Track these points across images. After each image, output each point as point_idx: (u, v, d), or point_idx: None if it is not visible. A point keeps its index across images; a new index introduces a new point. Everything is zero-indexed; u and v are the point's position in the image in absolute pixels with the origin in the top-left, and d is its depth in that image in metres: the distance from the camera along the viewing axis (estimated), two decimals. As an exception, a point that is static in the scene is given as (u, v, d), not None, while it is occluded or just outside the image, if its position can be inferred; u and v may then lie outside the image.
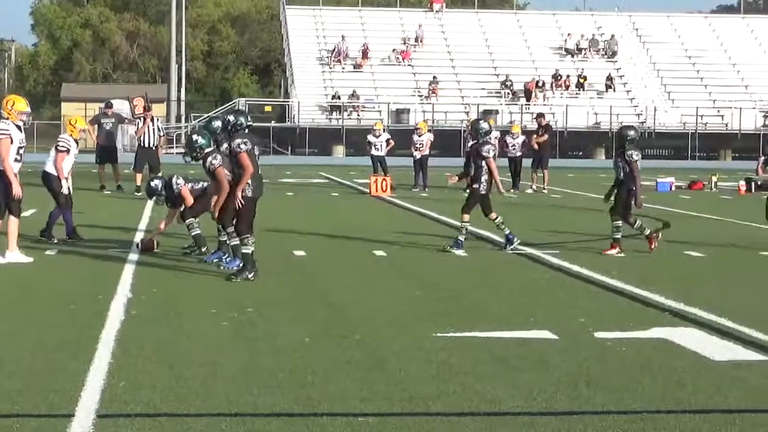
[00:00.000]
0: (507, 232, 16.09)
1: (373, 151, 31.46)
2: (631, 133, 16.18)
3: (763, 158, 15.64)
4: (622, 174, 16.07)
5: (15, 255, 14.31)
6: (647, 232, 16.16)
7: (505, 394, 7.77)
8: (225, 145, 13.43)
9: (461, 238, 16.01)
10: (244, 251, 12.97)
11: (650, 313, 11.18)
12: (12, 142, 14.23)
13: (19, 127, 14.34)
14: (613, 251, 15.85)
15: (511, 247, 16.01)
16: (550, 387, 7.99)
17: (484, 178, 16.00)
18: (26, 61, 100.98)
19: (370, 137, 31.79)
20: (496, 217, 16.12)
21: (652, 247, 16.00)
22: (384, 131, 32.32)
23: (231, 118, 13.91)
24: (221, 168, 13.11)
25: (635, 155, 15.92)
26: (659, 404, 7.59)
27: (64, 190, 16.41)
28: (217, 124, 14.23)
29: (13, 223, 14.37)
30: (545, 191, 30.39)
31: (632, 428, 7.02)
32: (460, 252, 15.77)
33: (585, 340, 9.71)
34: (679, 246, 17.13)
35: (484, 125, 16.54)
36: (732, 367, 8.69)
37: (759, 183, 30.42)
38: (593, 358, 8.94)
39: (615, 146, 16.46)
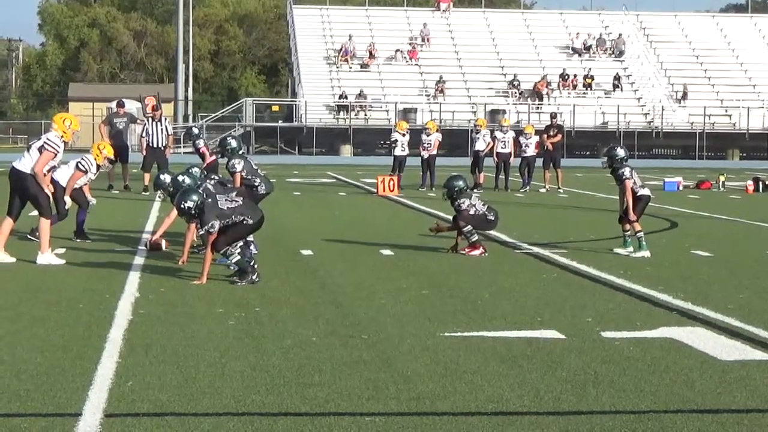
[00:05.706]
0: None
1: (398, 151, 31.67)
2: (621, 152, 16.22)
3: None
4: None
5: (47, 257, 14.31)
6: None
7: (512, 394, 7.77)
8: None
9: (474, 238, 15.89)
10: (234, 260, 12.70)
11: (658, 313, 11.17)
12: (54, 158, 14.36)
13: (65, 144, 14.54)
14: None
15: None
16: (558, 386, 7.99)
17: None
18: (34, 60, 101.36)
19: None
20: (465, 226, 15.88)
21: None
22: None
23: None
24: (213, 234, 12.66)
25: (626, 173, 15.95)
26: (667, 404, 7.58)
27: (67, 205, 16.35)
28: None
29: (44, 224, 14.40)
30: (561, 191, 30.37)
31: (640, 428, 7.01)
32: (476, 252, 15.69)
33: (592, 339, 9.70)
34: (687, 245, 17.13)
35: (458, 183, 16.16)
36: (740, 367, 8.68)
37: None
38: (600, 358, 8.93)
39: (606, 165, 16.37)
